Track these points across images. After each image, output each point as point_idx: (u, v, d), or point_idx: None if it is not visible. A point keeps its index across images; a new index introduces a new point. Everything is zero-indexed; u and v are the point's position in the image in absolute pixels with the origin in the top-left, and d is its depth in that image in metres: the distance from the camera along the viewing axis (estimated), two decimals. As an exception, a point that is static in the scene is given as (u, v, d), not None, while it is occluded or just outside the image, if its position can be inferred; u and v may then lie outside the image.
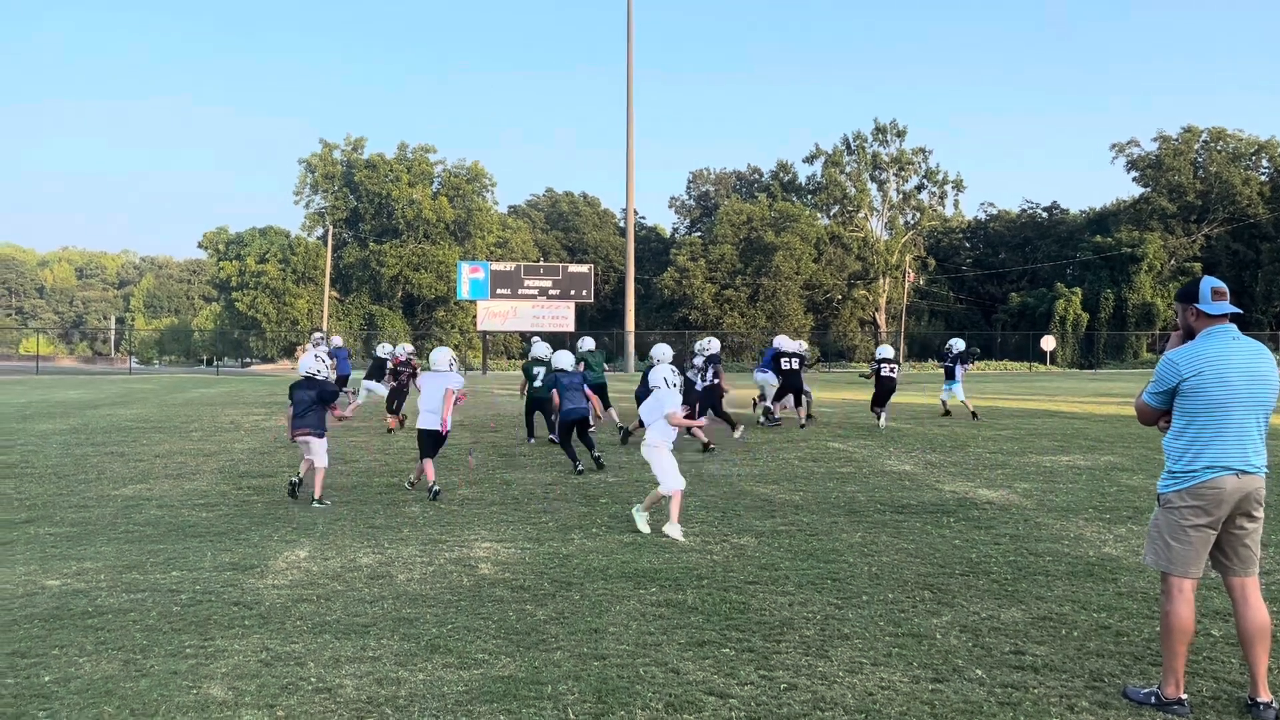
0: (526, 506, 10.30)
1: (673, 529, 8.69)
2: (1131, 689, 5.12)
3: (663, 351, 14.08)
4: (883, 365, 19.72)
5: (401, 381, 18.97)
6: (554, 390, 13.49)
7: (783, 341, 20.03)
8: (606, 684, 5.29)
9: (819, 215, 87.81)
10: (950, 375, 22.17)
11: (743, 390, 26.99)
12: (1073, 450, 15.11)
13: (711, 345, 17.56)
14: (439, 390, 10.95)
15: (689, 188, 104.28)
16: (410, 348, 19.63)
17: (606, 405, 16.79)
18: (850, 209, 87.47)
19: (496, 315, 60.07)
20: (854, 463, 13.59)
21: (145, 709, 4.85)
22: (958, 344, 22.31)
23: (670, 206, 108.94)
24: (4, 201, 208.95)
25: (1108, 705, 4.96)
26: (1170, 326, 53.60)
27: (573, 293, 60.73)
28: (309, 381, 10.76)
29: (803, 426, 18.83)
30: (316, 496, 10.33)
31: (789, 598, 6.84)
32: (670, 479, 8.85)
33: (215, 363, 55.78)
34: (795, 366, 19.41)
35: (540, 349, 17.21)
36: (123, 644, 5.79)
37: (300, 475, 10.84)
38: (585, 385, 13.54)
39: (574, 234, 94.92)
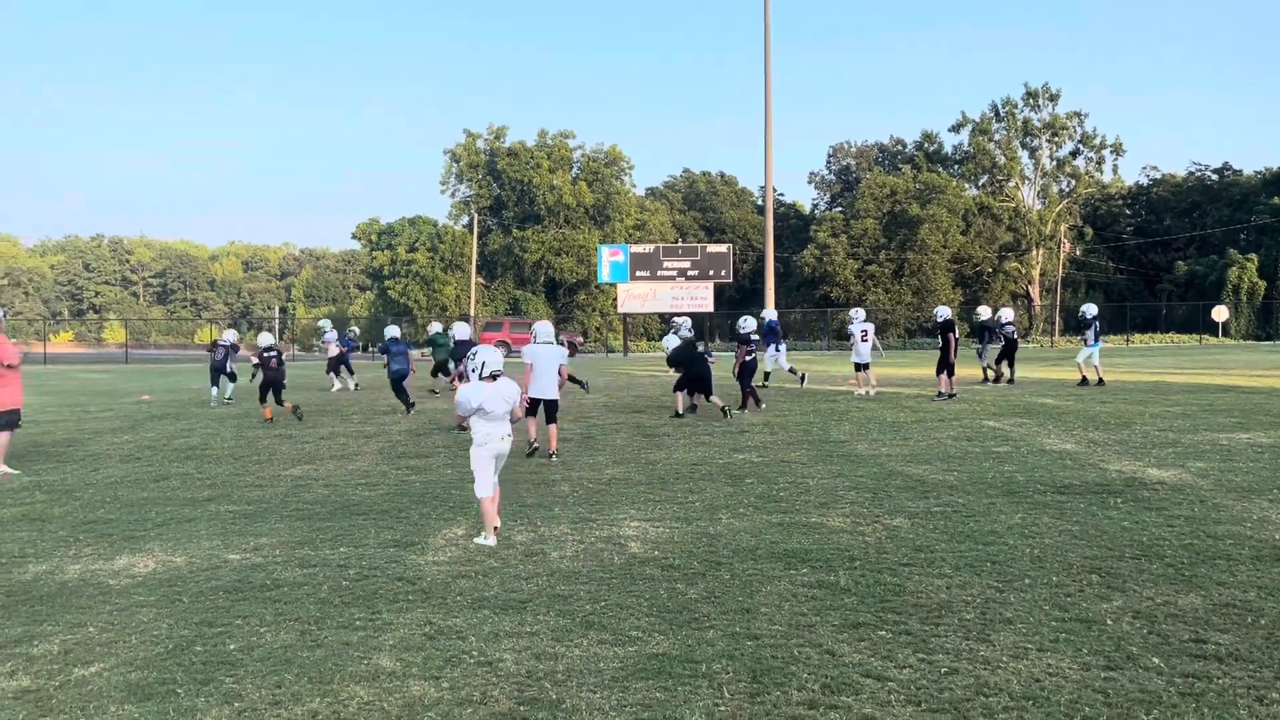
0: (673, 486, 10.28)
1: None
2: None
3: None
4: (1011, 328, 21.56)
5: (270, 370, 18.30)
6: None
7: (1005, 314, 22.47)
8: (761, 664, 5.27)
9: (966, 186, 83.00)
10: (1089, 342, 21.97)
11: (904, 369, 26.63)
12: (1253, 427, 13.87)
13: (747, 324, 17.93)
14: (554, 364, 12.09)
15: (829, 162, 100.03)
16: (269, 338, 18.91)
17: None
18: (1000, 178, 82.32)
19: (636, 297, 59.53)
20: (1010, 441, 12.93)
21: (321, 677, 5.08)
22: (1091, 309, 21.88)
23: (809, 182, 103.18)
24: (181, 200, 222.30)
25: (1300, 698, 4.64)
26: None
27: (711, 273, 59.53)
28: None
29: (998, 380, 21.78)
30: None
31: (946, 580, 6.66)
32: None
33: (370, 349, 57.77)
34: (1003, 338, 21.65)
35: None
36: (298, 615, 6.08)
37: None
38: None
39: (711, 214, 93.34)
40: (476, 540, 7.83)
